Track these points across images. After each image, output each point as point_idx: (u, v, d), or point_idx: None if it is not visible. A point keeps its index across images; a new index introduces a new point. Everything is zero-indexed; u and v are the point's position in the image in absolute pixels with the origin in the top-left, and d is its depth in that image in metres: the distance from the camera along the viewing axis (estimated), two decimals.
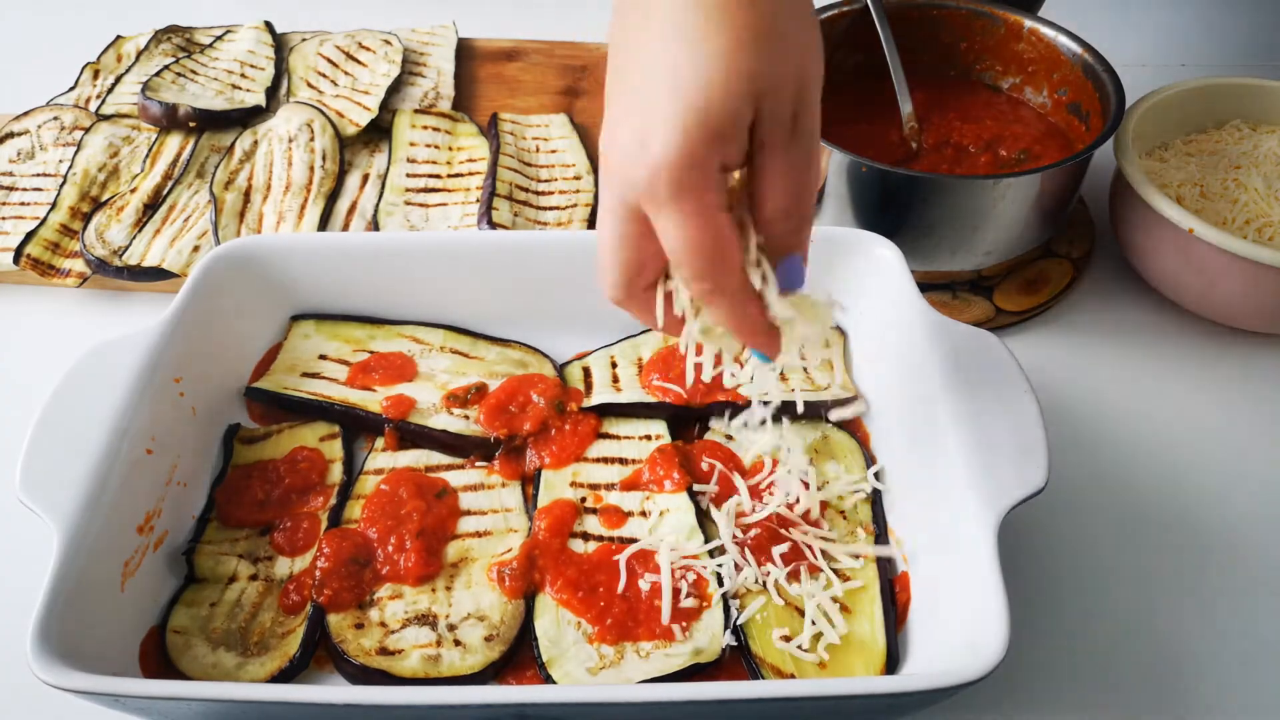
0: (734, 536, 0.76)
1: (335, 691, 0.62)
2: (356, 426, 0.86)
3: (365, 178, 1.14)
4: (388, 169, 1.13)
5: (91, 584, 0.67)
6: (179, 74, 1.24)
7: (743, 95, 0.52)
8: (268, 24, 1.36)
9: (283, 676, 0.69)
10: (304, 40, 1.33)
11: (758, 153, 0.55)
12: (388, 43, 1.32)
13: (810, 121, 0.56)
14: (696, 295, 0.58)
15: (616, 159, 0.55)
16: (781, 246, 0.59)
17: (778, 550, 0.74)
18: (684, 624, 0.71)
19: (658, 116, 0.52)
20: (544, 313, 0.93)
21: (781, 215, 0.57)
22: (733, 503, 0.78)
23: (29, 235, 1.05)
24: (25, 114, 1.22)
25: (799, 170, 0.56)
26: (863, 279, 0.88)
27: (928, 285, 0.96)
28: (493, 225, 1.04)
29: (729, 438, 0.84)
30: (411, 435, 0.84)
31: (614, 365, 0.90)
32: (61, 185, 1.11)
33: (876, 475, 0.81)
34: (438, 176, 1.14)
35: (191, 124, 1.16)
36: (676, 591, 0.72)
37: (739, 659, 0.71)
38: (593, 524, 0.78)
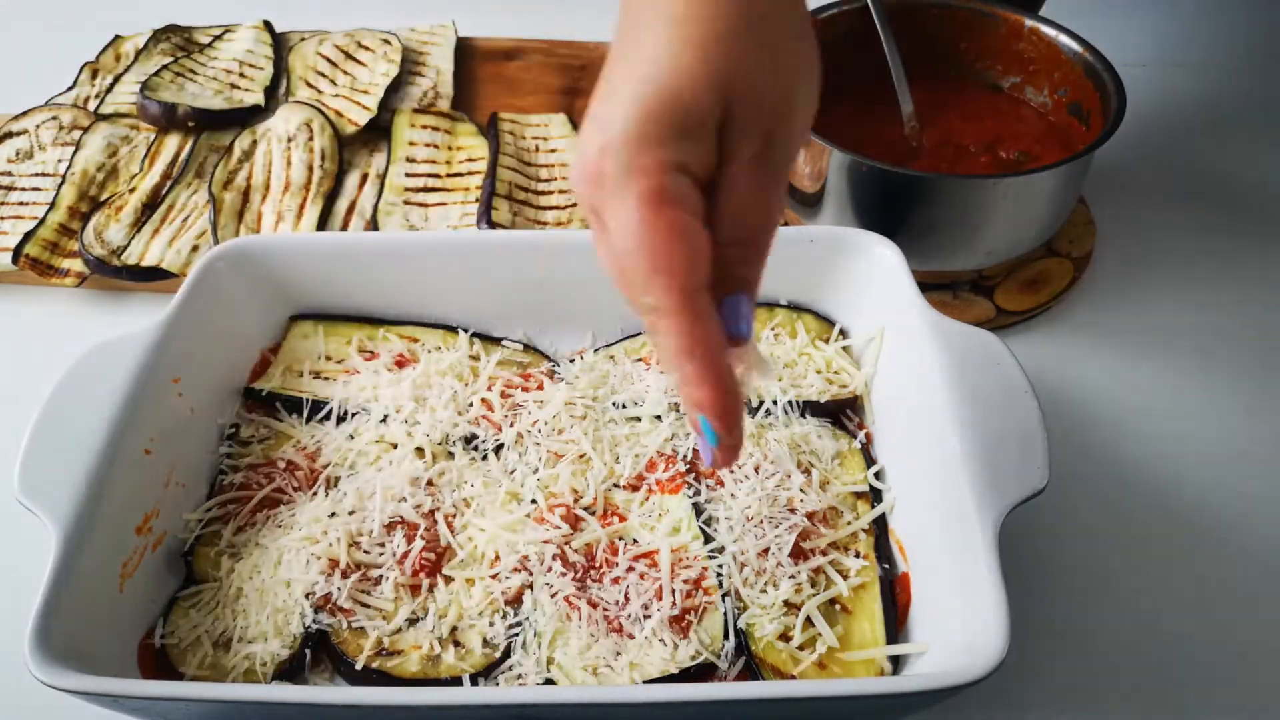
0: (734, 537, 0.76)
1: (335, 692, 0.62)
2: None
3: (364, 177, 1.14)
4: (387, 168, 1.13)
5: (90, 585, 0.67)
6: (178, 74, 1.24)
7: (712, 89, 0.48)
8: (267, 23, 1.36)
9: (282, 677, 0.69)
10: (303, 40, 1.33)
11: (722, 165, 0.50)
12: (387, 42, 1.32)
13: (786, 148, 0.51)
14: (645, 316, 0.48)
15: (578, 151, 0.49)
16: (728, 279, 0.50)
17: (778, 551, 0.74)
18: (684, 624, 0.71)
19: (621, 96, 0.48)
20: (544, 313, 0.93)
21: (735, 240, 0.50)
22: (733, 503, 0.78)
23: (28, 235, 1.04)
24: (24, 114, 1.22)
25: (763, 194, 0.51)
26: (863, 279, 0.87)
27: (928, 285, 0.95)
28: (492, 225, 1.04)
29: None
30: (410, 435, 0.83)
31: (614, 365, 0.90)
32: (60, 185, 1.10)
33: (877, 475, 0.81)
34: (437, 176, 1.13)
35: (190, 124, 1.16)
36: (676, 592, 0.72)
37: (739, 659, 0.70)
38: (593, 524, 0.78)
